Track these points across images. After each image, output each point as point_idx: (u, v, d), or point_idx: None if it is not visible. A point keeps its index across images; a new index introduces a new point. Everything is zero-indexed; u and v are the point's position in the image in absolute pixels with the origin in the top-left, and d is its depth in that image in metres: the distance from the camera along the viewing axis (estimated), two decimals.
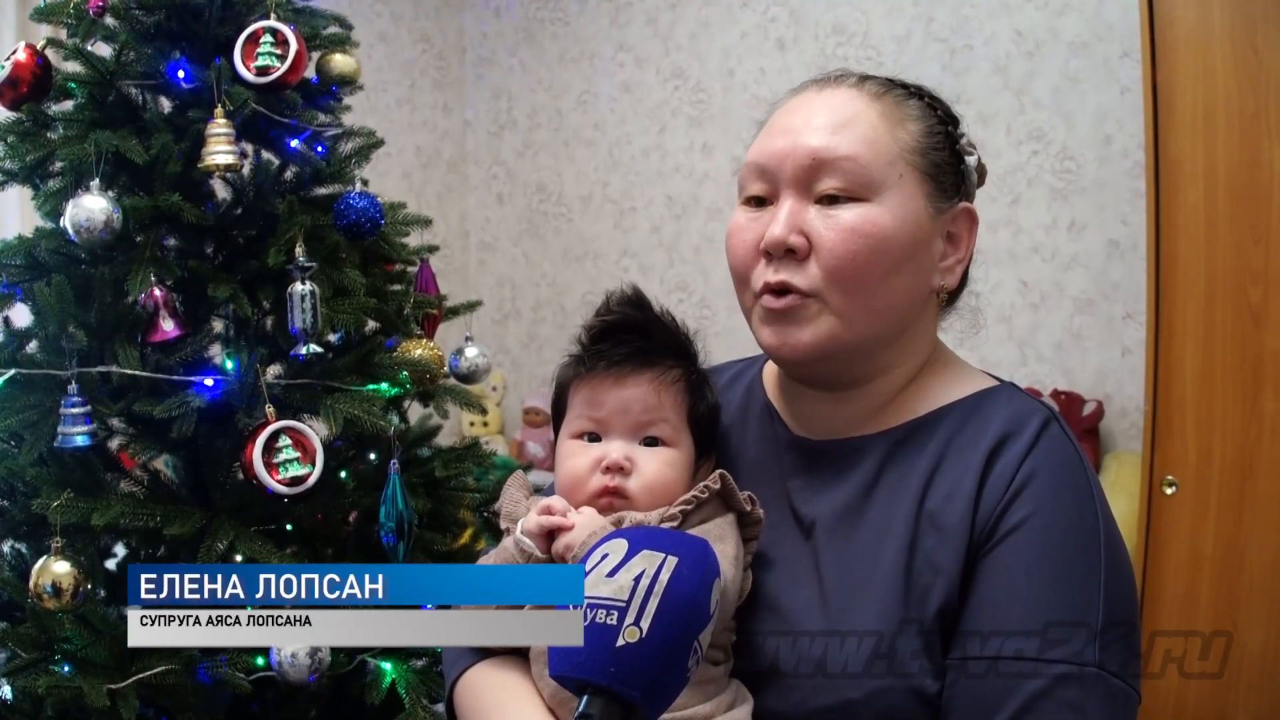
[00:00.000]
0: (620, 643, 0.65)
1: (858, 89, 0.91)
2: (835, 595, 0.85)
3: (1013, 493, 0.82)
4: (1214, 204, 2.13)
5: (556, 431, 0.99)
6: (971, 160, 0.94)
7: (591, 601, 0.67)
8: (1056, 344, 2.92)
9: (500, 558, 0.91)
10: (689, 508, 0.89)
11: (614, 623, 0.65)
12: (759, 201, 0.91)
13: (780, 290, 0.87)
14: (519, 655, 0.91)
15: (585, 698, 0.65)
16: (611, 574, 0.67)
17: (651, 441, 0.93)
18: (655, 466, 0.92)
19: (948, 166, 0.91)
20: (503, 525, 0.96)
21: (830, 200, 0.87)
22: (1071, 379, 2.90)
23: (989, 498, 0.83)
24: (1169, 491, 2.17)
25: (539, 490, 1.01)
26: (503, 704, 0.88)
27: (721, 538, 0.88)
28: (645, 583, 0.66)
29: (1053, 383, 2.90)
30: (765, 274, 0.88)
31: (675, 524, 0.88)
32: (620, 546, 0.69)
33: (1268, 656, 2.07)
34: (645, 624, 0.65)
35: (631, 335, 0.96)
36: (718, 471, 0.91)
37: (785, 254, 0.87)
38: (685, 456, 0.94)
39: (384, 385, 1.59)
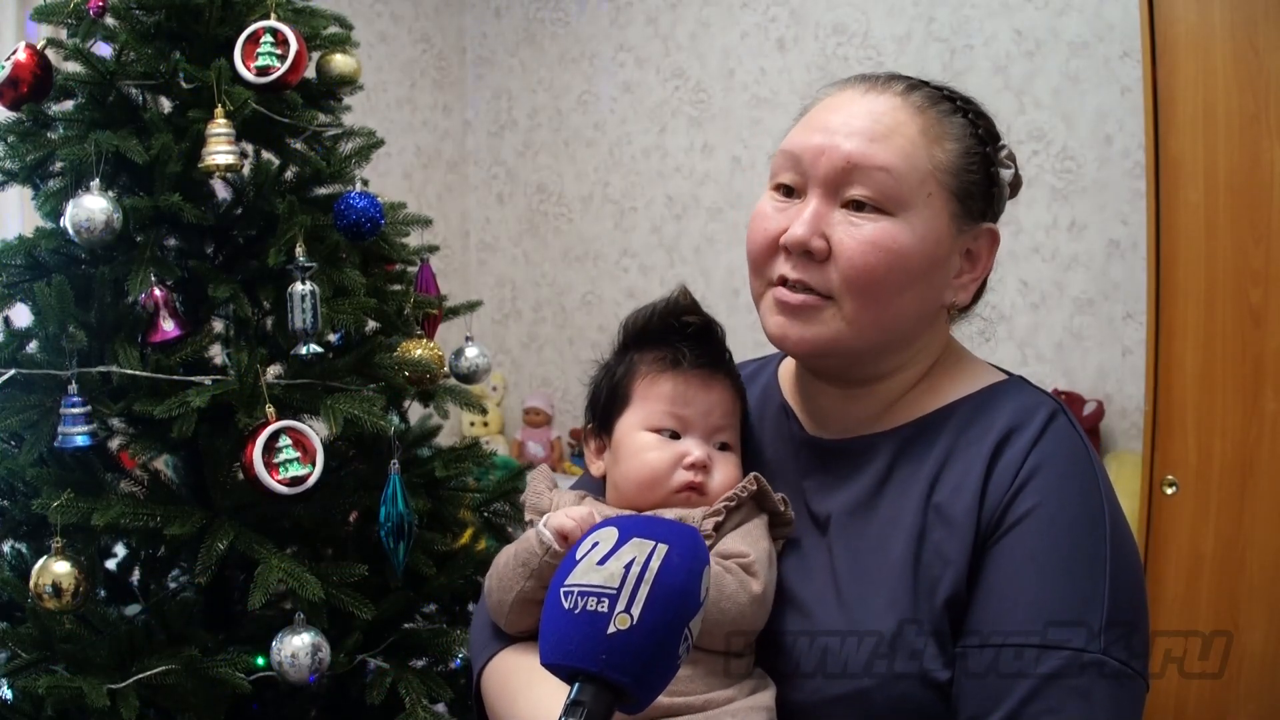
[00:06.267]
0: (611, 630, 0.65)
1: (903, 98, 0.90)
2: (848, 587, 0.87)
3: (1019, 484, 0.84)
4: (1214, 204, 2.13)
5: (603, 416, 1.01)
6: (1007, 174, 0.94)
7: (582, 589, 0.67)
8: (1057, 344, 2.92)
9: (521, 547, 0.93)
10: (732, 505, 0.91)
11: (605, 610, 0.65)
12: (788, 191, 0.91)
13: (797, 287, 0.88)
14: None
15: (576, 685, 0.65)
16: (602, 562, 0.68)
17: (721, 446, 0.97)
18: (728, 469, 0.96)
19: (977, 189, 0.91)
20: (527, 517, 0.98)
21: (856, 206, 0.87)
22: (1072, 379, 2.90)
23: (995, 489, 0.84)
24: (1169, 491, 2.18)
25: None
26: (526, 684, 0.90)
27: (758, 539, 0.90)
28: (636, 570, 0.66)
29: (1053, 383, 2.89)
30: (783, 268, 0.89)
31: (718, 520, 0.90)
32: (610, 534, 0.70)
33: (1268, 656, 2.07)
34: (636, 611, 0.65)
35: (708, 339, 0.99)
36: (752, 474, 0.93)
37: (803, 254, 0.87)
38: (739, 461, 0.98)
39: (384, 385, 1.59)
